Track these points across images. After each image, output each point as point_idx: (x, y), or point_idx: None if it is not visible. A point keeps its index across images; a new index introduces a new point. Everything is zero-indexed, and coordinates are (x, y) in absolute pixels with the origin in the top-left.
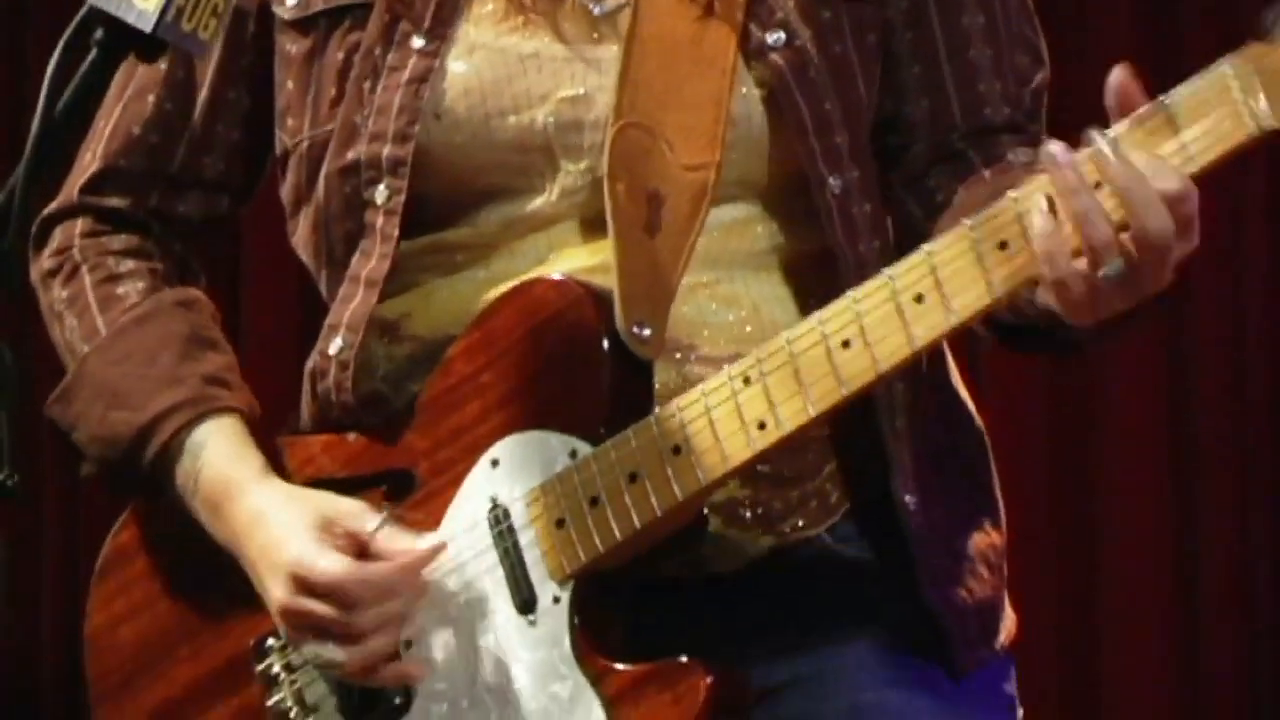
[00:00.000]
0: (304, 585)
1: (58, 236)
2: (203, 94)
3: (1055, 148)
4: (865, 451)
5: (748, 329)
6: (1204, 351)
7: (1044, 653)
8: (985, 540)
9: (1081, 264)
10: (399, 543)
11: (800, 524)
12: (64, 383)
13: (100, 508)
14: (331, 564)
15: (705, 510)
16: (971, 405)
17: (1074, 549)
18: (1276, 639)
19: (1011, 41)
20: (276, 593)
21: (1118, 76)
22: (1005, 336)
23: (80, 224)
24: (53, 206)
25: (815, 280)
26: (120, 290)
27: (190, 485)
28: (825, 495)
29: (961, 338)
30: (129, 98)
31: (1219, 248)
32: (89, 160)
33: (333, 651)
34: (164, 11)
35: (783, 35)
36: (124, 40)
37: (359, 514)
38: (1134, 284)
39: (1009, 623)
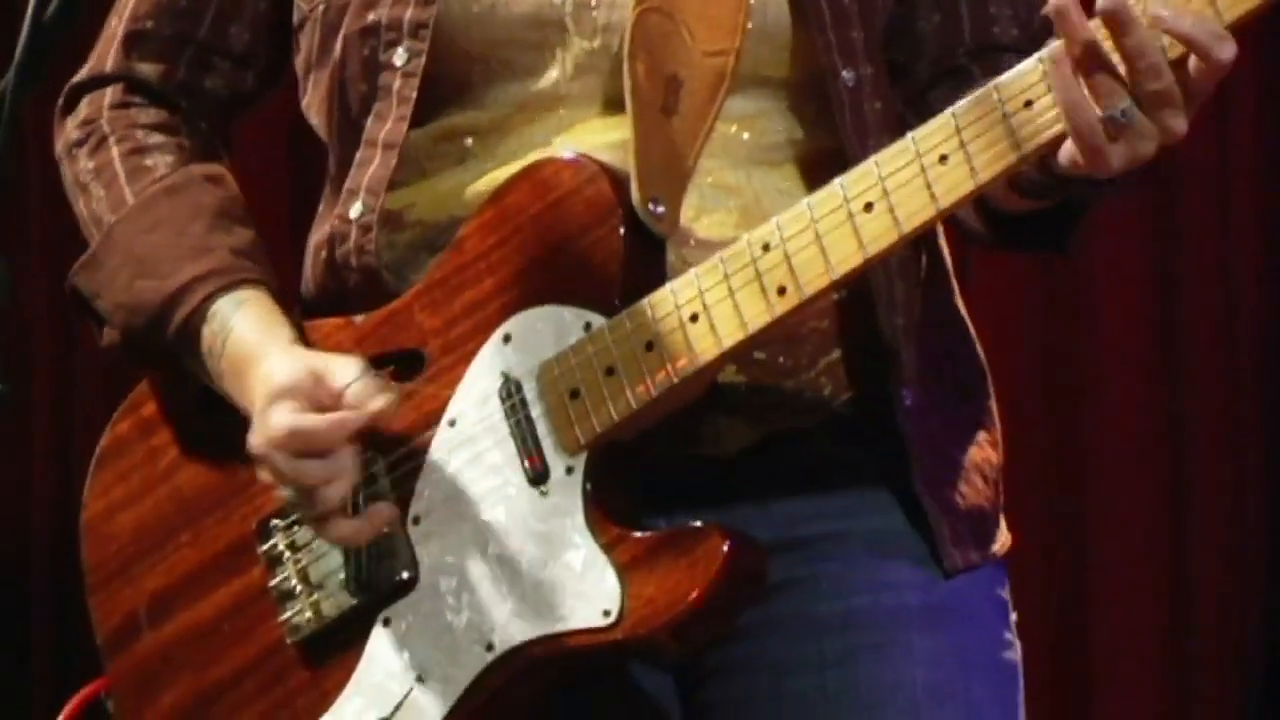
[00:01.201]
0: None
1: (85, 106)
2: None
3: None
4: (864, 348)
5: (746, 217)
6: (1192, 282)
7: (1033, 571)
8: (981, 454)
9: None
10: (362, 397)
11: (793, 416)
12: (89, 251)
13: (91, 406)
14: (283, 414)
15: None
16: (976, 338)
17: (1063, 470)
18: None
19: None
20: (265, 419)
21: None
22: (1005, 232)
23: (109, 94)
24: (81, 74)
25: (821, 178)
26: (149, 162)
27: (217, 349)
28: (820, 388)
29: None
30: None
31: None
32: (116, 25)
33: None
34: None
35: None
36: None
37: (343, 366)
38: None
39: (1003, 536)
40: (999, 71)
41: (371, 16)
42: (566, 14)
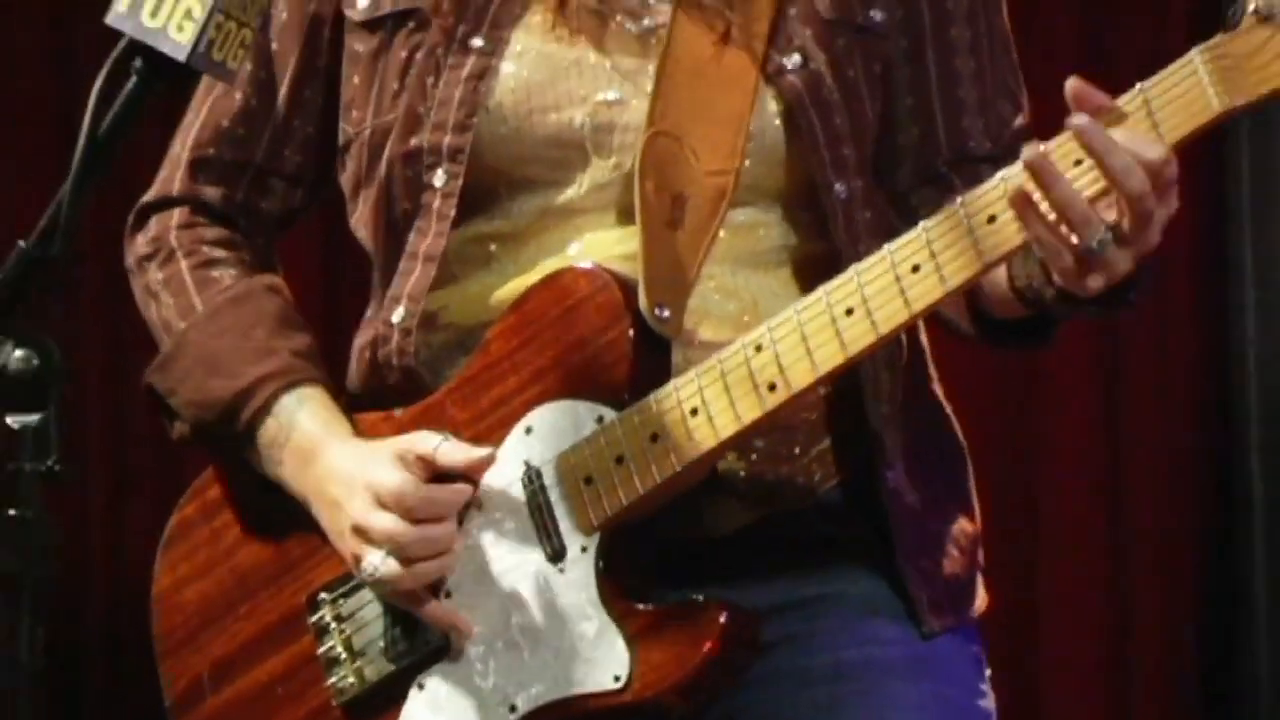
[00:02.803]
0: (376, 498)
1: (154, 225)
2: (283, 91)
3: (1030, 147)
4: (850, 435)
5: (745, 319)
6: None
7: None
8: (958, 526)
9: (1069, 237)
10: (457, 454)
11: (789, 497)
12: (163, 353)
13: (142, 489)
14: (398, 477)
15: (716, 467)
16: (954, 417)
17: (1016, 522)
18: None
19: (997, 86)
20: (351, 509)
21: (1074, 85)
22: (990, 332)
23: (176, 214)
24: (150, 195)
25: (815, 280)
26: (215, 274)
27: (280, 441)
28: (811, 474)
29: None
30: (217, 94)
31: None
32: (179, 150)
33: (389, 566)
34: (196, 44)
35: (800, 59)
36: (160, 69)
37: (424, 438)
38: (1126, 244)
39: (979, 599)
40: (975, 179)
41: (414, 141)
42: (585, 136)
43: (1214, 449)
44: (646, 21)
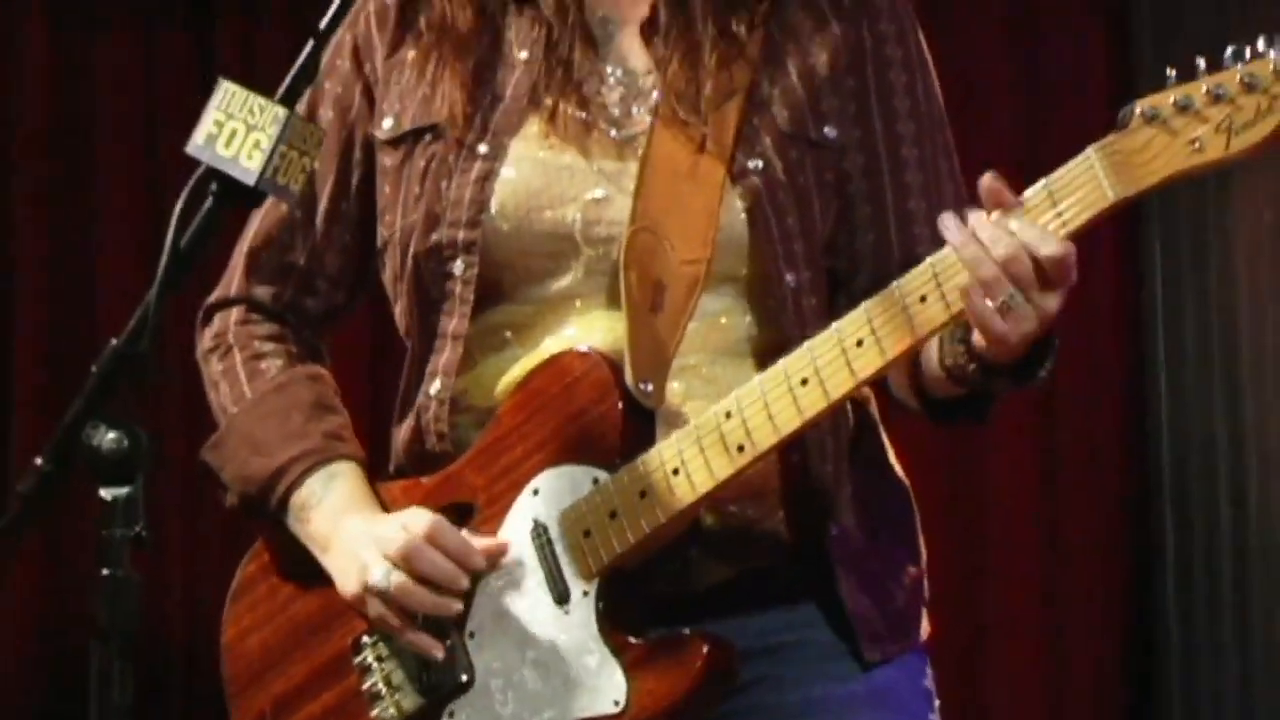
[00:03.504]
0: (380, 552)
1: (217, 322)
2: (323, 205)
3: (949, 217)
4: (807, 498)
5: (721, 398)
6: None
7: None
8: (902, 569)
9: (988, 301)
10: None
11: (759, 555)
12: (216, 435)
13: (212, 550)
14: (400, 536)
15: (697, 521)
16: (899, 467)
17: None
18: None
19: (941, 197)
20: (362, 558)
21: (987, 183)
22: (933, 410)
23: (234, 313)
24: (214, 297)
25: (773, 362)
26: (263, 365)
27: (305, 515)
28: (778, 533)
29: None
30: (267, 209)
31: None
32: (238, 257)
33: (394, 577)
34: (264, 171)
35: (761, 163)
36: (233, 190)
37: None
38: (1032, 307)
39: (924, 628)
40: None
41: (434, 237)
42: (577, 232)
43: (1134, 501)
44: (626, 130)
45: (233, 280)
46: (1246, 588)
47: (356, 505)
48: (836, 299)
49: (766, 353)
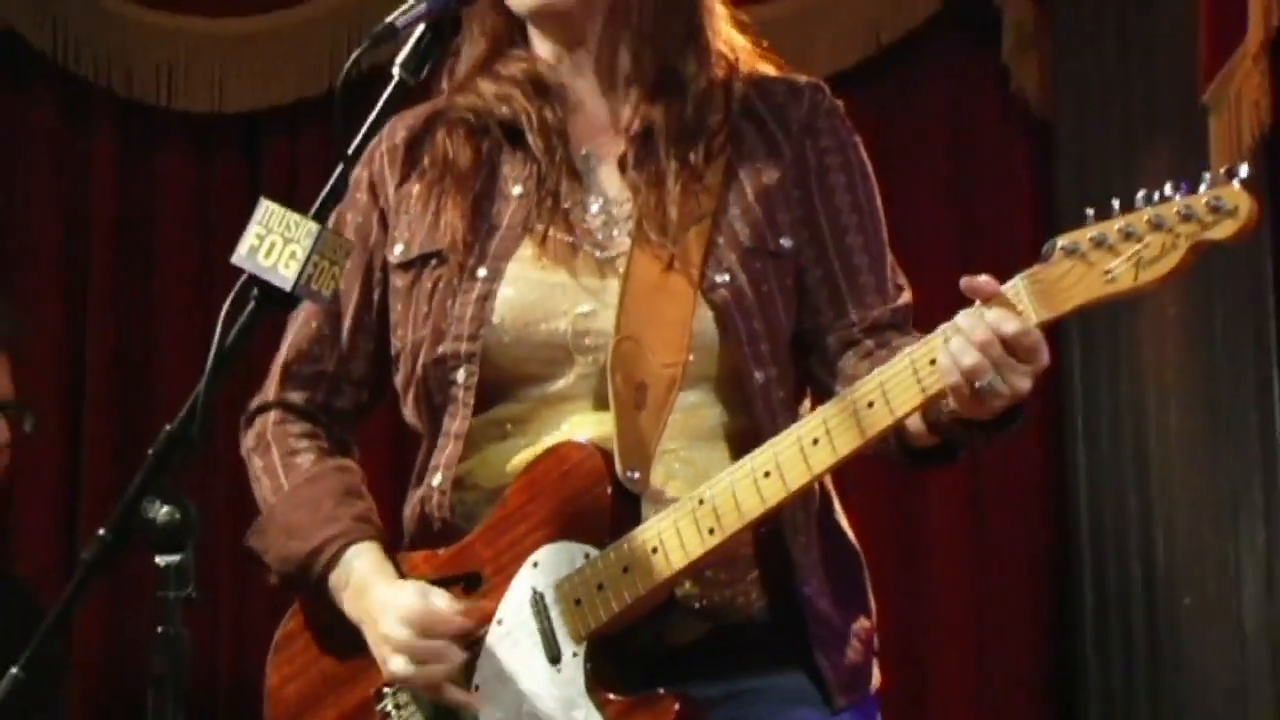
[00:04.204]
0: (399, 617)
1: (257, 423)
2: (348, 319)
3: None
4: (777, 563)
5: (697, 481)
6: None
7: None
8: (858, 623)
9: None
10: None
11: (731, 615)
12: (258, 522)
13: (258, 609)
14: (418, 603)
15: (675, 592)
16: (851, 533)
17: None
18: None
19: (885, 273)
20: (382, 624)
21: (968, 280)
22: (912, 456)
23: (272, 415)
24: (254, 403)
25: (745, 449)
26: (298, 460)
27: (341, 585)
28: (749, 594)
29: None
30: (300, 323)
31: None
32: (276, 365)
33: (403, 666)
34: (299, 278)
35: (728, 277)
36: (272, 295)
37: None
38: (1007, 387)
39: (875, 679)
40: (884, 343)
41: (440, 349)
42: (569, 341)
43: (1056, 563)
44: (608, 251)
45: (270, 388)
46: (1155, 634)
47: (377, 579)
48: (809, 364)
49: (737, 437)
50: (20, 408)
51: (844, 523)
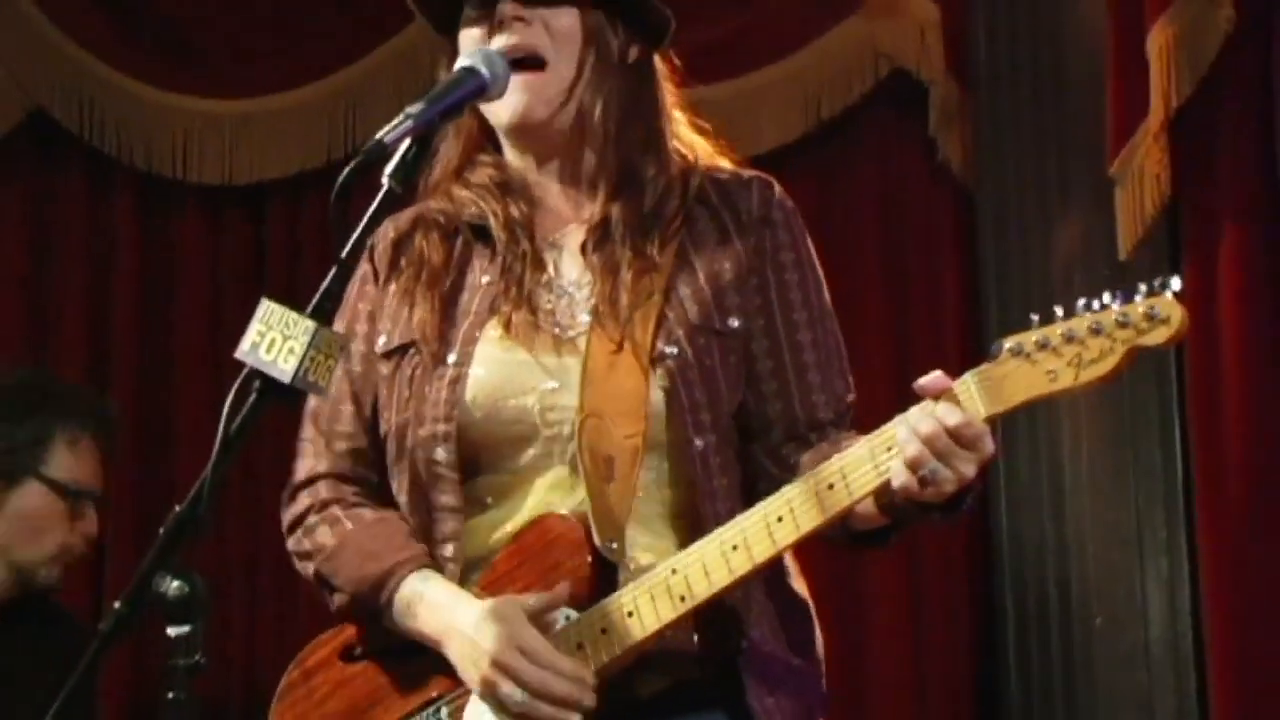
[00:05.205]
0: (521, 650)
1: (304, 497)
2: (367, 401)
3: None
4: (721, 623)
5: (666, 556)
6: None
7: None
8: (803, 674)
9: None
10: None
11: (690, 668)
12: (329, 549)
13: (264, 666)
14: (540, 642)
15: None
16: (804, 589)
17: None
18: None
19: (832, 371)
20: (494, 650)
21: (922, 381)
22: (856, 537)
23: (321, 486)
24: (300, 476)
25: (687, 513)
26: (359, 511)
27: (416, 607)
28: (692, 651)
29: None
30: (329, 409)
31: None
32: (305, 447)
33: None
34: (297, 372)
35: (675, 350)
36: (272, 387)
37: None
38: (952, 473)
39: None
40: (824, 438)
41: (421, 431)
42: (536, 417)
43: (980, 584)
44: (569, 331)
45: (309, 463)
46: (1070, 651)
47: (457, 600)
48: (752, 450)
49: (682, 501)
50: (107, 500)
51: (791, 574)
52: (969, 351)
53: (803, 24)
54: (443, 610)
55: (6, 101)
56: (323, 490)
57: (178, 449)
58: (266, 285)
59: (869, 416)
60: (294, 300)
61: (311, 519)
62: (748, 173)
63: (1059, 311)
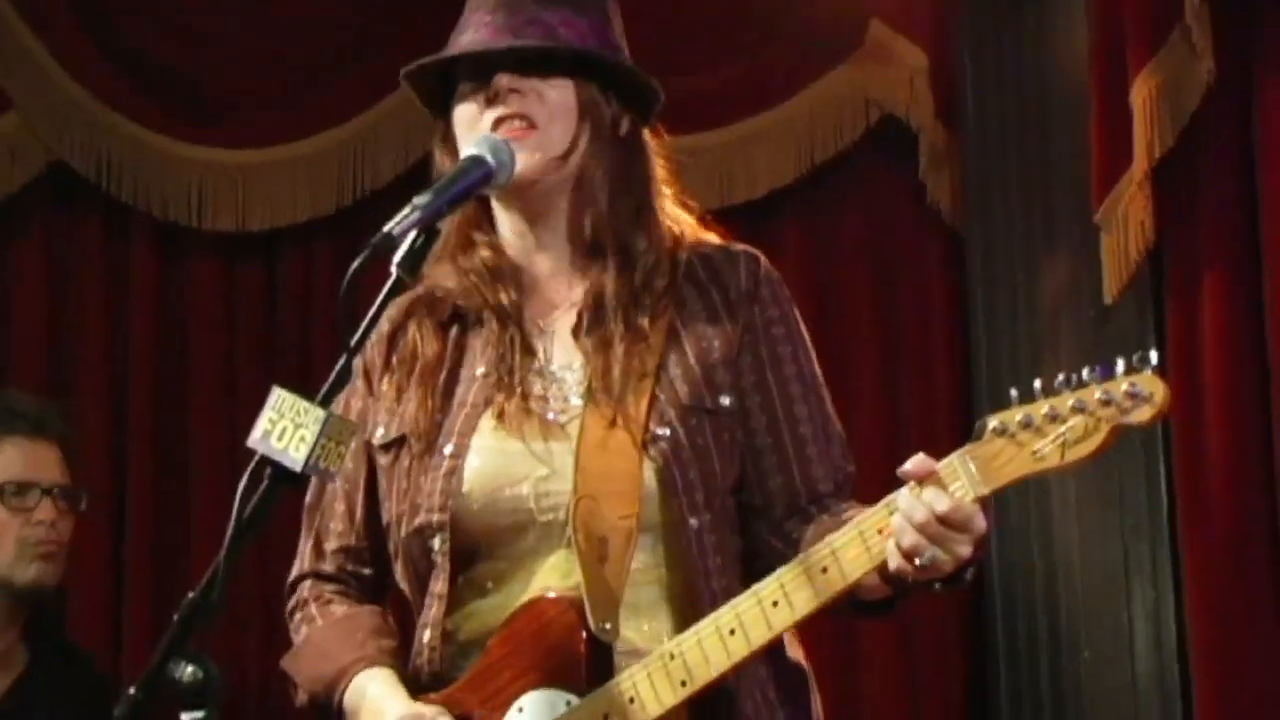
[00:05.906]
0: None
1: (298, 591)
2: (360, 496)
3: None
4: (716, 700)
5: (662, 637)
6: None
7: None
8: None
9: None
10: None
11: None
12: (294, 649)
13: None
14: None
15: None
16: (801, 654)
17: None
18: None
19: (829, 443)
20: None
21: (907, 466)
22: (859, 608)
23: (308, 584)
24: (293, 575)
25: (683, 593)
26: (332, 608)
27: (360, 701)
28: (683, 714)
29: None
30: (325, 505)
31: None
32: (305, 546)
33: None
34: (308, 459)
35: (667, 431)
36: (284, 475)
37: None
38: (947, 556)
39: None
40: (826, 510)
41: (417, 521)
42: (531, 504)
43: (971, 619)
44: (563, 416)
45: (302, 560)
46: (1059, 684)
47: (390, 696)
48: (756, 527)
49: (677, 583)
50: (74, 493)
51: (787, 640)
52: (959, 391)
53: (795, 73)
54: (376, 708)
55: (27, 153)
56: (305, 589)
57: (192, 487)
58: (279, 328)
59: (860, 459)
60: (306, 348)
61: (295, 617)
62: (735, 247)
63: (1038, 386)
